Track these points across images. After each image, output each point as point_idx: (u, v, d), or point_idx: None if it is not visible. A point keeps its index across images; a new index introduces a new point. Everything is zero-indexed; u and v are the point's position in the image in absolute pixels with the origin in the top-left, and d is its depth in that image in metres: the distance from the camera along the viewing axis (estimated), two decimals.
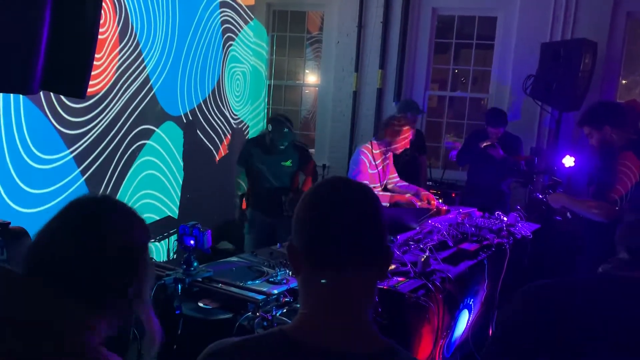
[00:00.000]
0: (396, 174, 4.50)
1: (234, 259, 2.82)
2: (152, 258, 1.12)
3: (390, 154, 4.33)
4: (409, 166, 5.06)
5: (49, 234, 1.06)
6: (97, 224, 1.06)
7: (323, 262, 1.00)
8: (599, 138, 3.31)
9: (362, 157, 4.12)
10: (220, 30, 5.13)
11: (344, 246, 0.99)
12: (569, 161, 5.29)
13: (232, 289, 2.33)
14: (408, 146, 4.26)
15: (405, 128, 4.11)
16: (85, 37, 1.79)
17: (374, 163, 4.17)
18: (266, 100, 7.01)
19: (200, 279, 2.36)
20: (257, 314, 2.03)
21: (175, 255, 4.59)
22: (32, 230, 3.10)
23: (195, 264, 2.35)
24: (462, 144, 5.58)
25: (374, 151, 4.16)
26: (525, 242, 3.94)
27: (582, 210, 3.50)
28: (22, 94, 2.35)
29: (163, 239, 4.60)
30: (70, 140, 3.46)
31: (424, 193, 4.33)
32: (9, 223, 1.59)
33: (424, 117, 6.34)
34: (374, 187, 4.22)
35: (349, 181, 1.07)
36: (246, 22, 5.62)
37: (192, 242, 2.37)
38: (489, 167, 4.94)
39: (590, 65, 5.01)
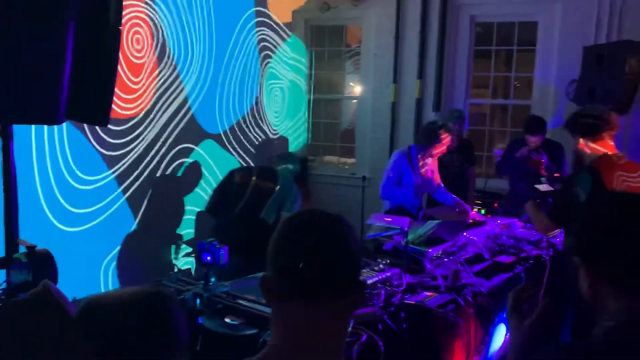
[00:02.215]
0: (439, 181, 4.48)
1: (260, 274, 2.86)
2: None
3: (432, 160, 4.32)
4: (457, 177, 5.02)
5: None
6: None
7: (292, 294, 1.00)
8: (573, 148, 3.17)
9: (396, 162, 4.19)
10: (257, 48, 5.25)
11: (312, 278, 0.99)
12: None
13: (255, 305, 2.37)
14: (445, 151, 4.23)
15: (443, 135, 4.10)
16: (105, 66, 1.90)
17: (411, 168, 4.17)
18: (307, 114, 7.10)
19: (219, 294, 2.43)
20: None
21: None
22: (77, 248, 3.26)
23: (213, 279, 2.43)
24: (503, 153, 5.46)
25: (412, 156, 4.16)
26: (567, 253, 3.81)
27: (532, 222, 3.39)
28: (48, 125, 2.49)
29: None
30: (111, 161, 3.64)
31: (460, 205, 4.28)
32: (35, 246, 1.70)
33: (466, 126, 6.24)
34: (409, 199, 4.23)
35: (323, 213, 1.07)
36: (283, 39, 5.73)
37: (209, 258, 2.45)
38: (530, 175, 4.81)
39: (637, 66, 4.80)
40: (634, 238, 1.12)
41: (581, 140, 2.97)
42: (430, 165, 4.34)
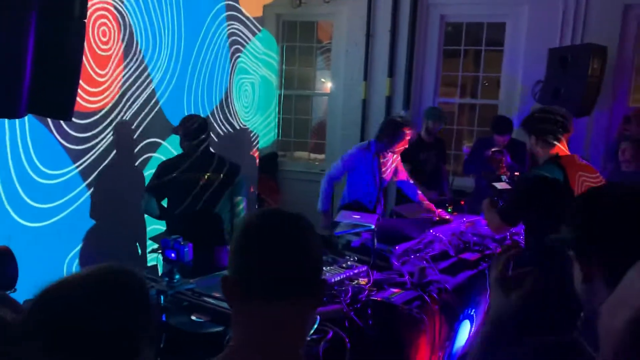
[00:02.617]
0: (407, 177, 4.53)
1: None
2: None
3: (394, 156, 4.34)
4: (434, 175, 5.07)
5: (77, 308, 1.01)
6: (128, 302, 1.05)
7: (252, 293, 1.01)
8: (528, 146, 3.17)
9: (350, 154, 4.21)
10: (228, 42, 5.20)
11: (272, 278, 1.00)
12: None
13: (221, 303, 2.36)
14: (407, 146, 4.26)
15: (407, 131, 4.12)
16: (69, 59, 1.85)
17: (369, 164, 4.19)
18: (277, 110, 7.08)
19: (184, 291, 2.42)
20: None
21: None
22: (39, 244, 3.18)
23: (177, 276, 2.41)
24: (469, 153, 5.56)
25: (372, 152, 4.18)
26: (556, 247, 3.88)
27: (485, 220, 3.38)
28: (8, 118, 2.43)
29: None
30: (75, 155, 3.55)
31: (425, 203, 4.32)
32: None
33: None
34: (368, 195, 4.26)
35: (282, 212, 1.09)
36: (254, 34, 5.69)
37: (173, 255, 2.43)
38: (492, 174, 4.91)
39: (599, 70, 4.94)
40: (632, 232, 1.11)
41: (536, 140, 2.97)
42: (391, 160, 4.36)
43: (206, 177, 3.63)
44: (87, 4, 1.84)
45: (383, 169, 4.28)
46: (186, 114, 4.65)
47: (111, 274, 1.08)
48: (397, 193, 5.04)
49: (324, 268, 1.17)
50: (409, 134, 4.14)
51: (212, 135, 4.21)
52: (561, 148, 2.91)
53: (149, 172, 4.28)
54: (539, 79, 5.29)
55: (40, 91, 1.80)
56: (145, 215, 4.04)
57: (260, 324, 1.01)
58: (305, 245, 1.04)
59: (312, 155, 7.31)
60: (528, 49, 5.79)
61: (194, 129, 3.66)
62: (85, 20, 1.85)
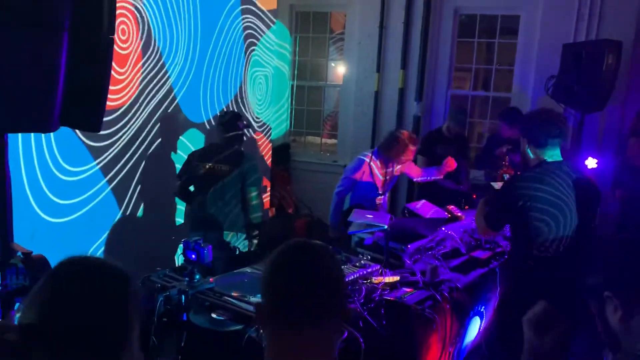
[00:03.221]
0: (419, 172, 4.60)
1: (247, 269, 2.95)
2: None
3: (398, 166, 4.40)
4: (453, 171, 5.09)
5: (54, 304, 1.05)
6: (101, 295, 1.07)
7: (282, 322, 1.12)
8: (521, 148, 2.99)
9: (357, 167, 4.25)
10: (242, 36, 5.25)
11: (304, 308, 1.11)
12: (591, 163, 5.26)
13: (239, 303, 2.46)
14: (411, 159, 4.32)
15: (410, 147, 4.16)
16: (98, 74, 1.93)
17: (375, 172, 4.26)
18: (289, 101, 7.13)
19: (204, 290, 2.51)
20: (262, 329, 2.15)
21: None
22: (62, 238, 3.29)
23: (197, 276, 2.51)
24: (482, 148, 5.59)
25: (372, 164, 4.25)
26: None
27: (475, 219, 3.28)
28: (42, 133, 2.51)
29: None
30: (96, 152, 3.65)
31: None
32: (31, 252, 1.75)
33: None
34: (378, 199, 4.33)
35: (311, 247, 1.20)
36: (268, 27, 5.73)
37: (193, 256, 2.53)
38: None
39: (614, 65, 4.92)
40: None
41: (528, 144, 2.87)
42: (397, 169, 4.42)
43: (220, 167, 3.89)
44: (115, 20, 1.90)
45: (381, 174, 4.32)
46: (202, 109, 4.74)
47: (87, 266, 1.12)
48: (408, 191, 5.09)
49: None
50: (413, 150, 4.19)
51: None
52: (554, 153, 2.81)
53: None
54: (553, 74, 5.28)
55: (71, 105, 1.88)
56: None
57: (291, 351, 1.12)
58: (334, 277, 1.17)
59: (324, 147, 7.37)
60: (542, 43, 5.77)
61: (222, 122, 3.98)
62: (113, 37, 1.91)
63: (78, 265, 1.12)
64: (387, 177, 4.35)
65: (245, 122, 4.16)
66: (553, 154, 2.81)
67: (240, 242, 4.20)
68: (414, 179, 4.71)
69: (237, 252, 3.94)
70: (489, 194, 3.54)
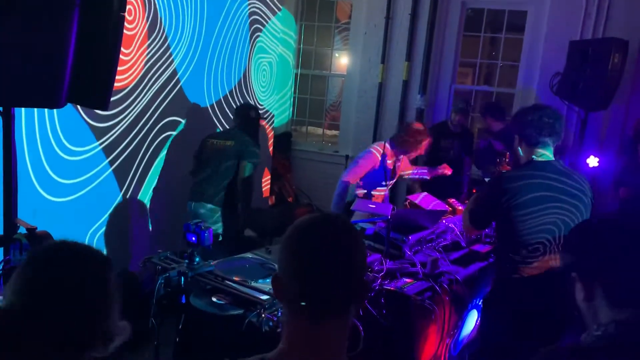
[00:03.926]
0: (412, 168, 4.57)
1: (248, 255, 2.95)
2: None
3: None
4: (453, 163, 5.05)
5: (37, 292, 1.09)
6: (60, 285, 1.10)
7: (300, 311, 1.06)
8: (514, 145, 2.87)
9: (367, 158, 4.15)
10: (248, 22, 5.22)
11: (333, 294, 1.05)
12: (593, 161, 5.26)
13: (241, 287, 2.46)
14: (423, 153, 4.30)
15: (425, 141, 4.14)
16: (108, 52, 1.91)
17: (382, 164, 4.20)
18: (293, 89, 7.10)
19: (205, 273, 2.52)
20: (262, 315, 2.15)
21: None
22: (64, 217, 3.28)
23: (197, 259, 2.52)
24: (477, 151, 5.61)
25: (386, 153, 4.18)
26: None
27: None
28: (50, 108, 2.49)
29: None
30: (99, 133, 3.63)
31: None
32: (35, 228, 1.74)
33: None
34: (379, 192, 4.29)
35: (340, 223, 1.10)
36: (274, 13, 5.69)
37: (194, 238, 2.53)
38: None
39: (620, 64, 4.91)
40: (629, 260, 1.28)
41: (519, 141, 2.75)
42: (403, 161, 4.40)
43: (220, 142, 4.12)
44: None
45: (391, 166, 4.29)
46: (205, 93, 4.72)
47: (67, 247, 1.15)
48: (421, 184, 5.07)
49: None
50: (426, 144, 4.17)
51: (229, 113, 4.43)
52: (544, 153, 2.68)
53: (167, 151, 4.37)
54: (558, 71, 5.27)
55: (79, 82, 1.86)
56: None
57: (309, 335, 1.07)
58: (361, 259, 1.09)
59: (325, 137, 7.35)
60: (548, 40, 5.76)
61: (236, 111, 4.38)
62: (124, 14, 1.89)
63: (55, 249, 1.15)
64: (396, 171, 4.33)
65: (256, 113, 4.34)
66: (543, 153, 2.68)
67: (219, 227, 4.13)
68: (404, 174, 4.63)
69: (220, 239, 3.97)
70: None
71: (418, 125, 4.22)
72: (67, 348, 1.05)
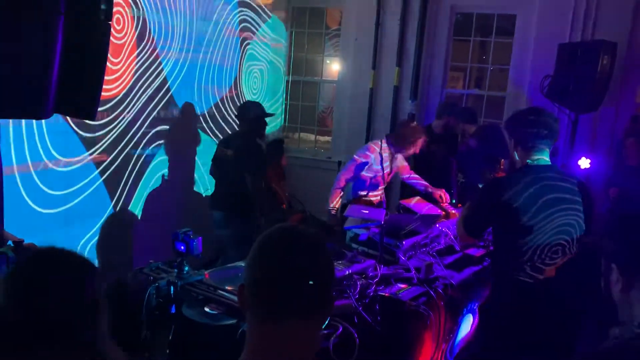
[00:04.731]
0: (410, 171, 4.55)
1: (241, 264, 2.92)
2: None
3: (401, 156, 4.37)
4: (442, 170, 5.04)
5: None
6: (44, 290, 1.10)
7: (266, 311, 1.05)
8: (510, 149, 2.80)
9: (365, 150, 4.17)
10: (238, 29, 5.21)
11: (287, 298, 1.04)
12: (584, 163, 5.28)
13: (233, 296, 2.43)
14: (417, 152, 4.30)
15: (420, 139, 4.15)
16: (94, 61, 1.89)
17: (379, 161, 4.20)
18: (284, 96, 7.09)
19: (195, 282, 2.49)
20: None
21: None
22: (53, 230, 3.24)
23: (186, 268, 2.49)
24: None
25: (382, 151, 4.19)
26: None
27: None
28: (36, 119, 2.47)
29: None
30: (89, 143, 3.60)
31: (436, 191, 4.36)
32: (22, 241, 1.72)
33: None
34: (376, 192, 4.28)
35: (300, 231, 1.11)
36: (264, 21, 5.69)
37: (182, 247, 2.50)
38: (474, 164, 4.97)
39: (609, 66, 4.94)
40: None
41: (515, 145, 2.67)
42: (399, 160, 4.39)
43: (224, 150, 4.21)
44: (112, 6, 1.86)
45: (387, 163, 4.29)
46: (196, 101, 4.71)
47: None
48: (402, 188, 5.07)
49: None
50: (421, 141, 4.18)
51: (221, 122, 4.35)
52: (541, 157, 2.61)
53: (158, 160, 4.34)
54: (548, 74, 5.29)
55: (66, 92, 1.84)
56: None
57: (269, 341, 1.05)
58: (321, 268, 1.08)
59: (318, 144, 7.34)
60: (537, 43, 5.78)
61: (237, 113, 4.41)
62: (110, 23, 1.87)
63: (38, 258, 1.17)
64: (392, 170, 4.33)
65: (255, 112, 4.25)
66: (539, 158, 2.60)
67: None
68: (403, 177, 4.64)
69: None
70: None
71: (413, 124, 4.29)
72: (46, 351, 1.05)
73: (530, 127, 2.58)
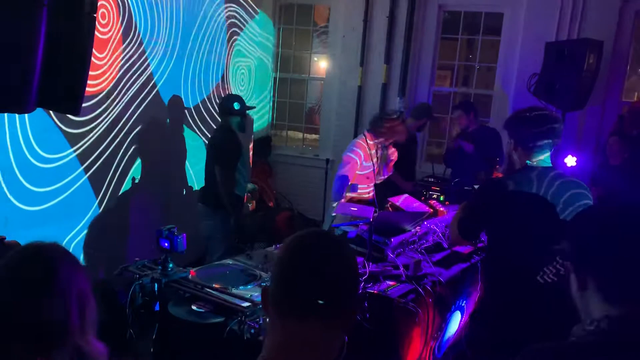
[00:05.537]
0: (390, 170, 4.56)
1: (228, 261, 2.89)
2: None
3: (390, 150, 4.36)
4: (404, 160, 5.04)
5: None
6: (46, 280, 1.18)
7: (286, 310, 1.06)
8: (507, 149, 2.75)
9: (354, 153, 4.13)
10: (225, 25, 5.16)
11: (308, 298, 1.04)
12: (571, 161, 5.31)
13: (221, 294, 2.40)
14: (403, 139, 4.29)
15: (400, 127, 4.16)
16: (79, 55, 1.85)
17: (369, 155, 4.17)
18: (272, 93, 7.06)
19: (180, 279, 2.46)
20: (244, 322, 2.10)
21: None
22: (37, 227, 3.20)
23: (170, 265, 2.45)
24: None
25: (369, 142, 4.17)
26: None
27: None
28: (18, 113, 2.42)
29: None
30: (73, 139, 3.54)
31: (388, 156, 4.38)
32: (4, 238, 1.67)
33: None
34: (365, 187, 4.26)
35: (327, 235, 1.15)
36: (252, 17, 5.65)
37: (166, 244, 2.47)
38: (465, 164, 4.99)
39: (595, 64, 4.98)
40: (624, 251, 1.21)
41: (514, 145, 2.59)
42: (390, 154, 4.38)
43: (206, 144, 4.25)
44: None
45: (374, 155, 4.26)
46: (182, 97, 4.66)
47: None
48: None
49: None
50: (402, 127, 4.17)
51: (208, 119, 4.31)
52: (541, 158, 2.53)
53: (147, 155, 4.29)
54: (535, 72, 5.32)
55: (49, 86, 1.80)
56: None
57: (289, 342, 1.05)
58: (346, 272, 1.09)
59: (306, 141, 7.31)
60: (525, 41, 5.81)
61: (219, 106, 4.28)
62: (95, 15, 1.84)
63: (21, 248, 1.29)
64: (379, 160, 4.30)
65: (234, 106, 4.12)
66: (540, 159, 2.52)
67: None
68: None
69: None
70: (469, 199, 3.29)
71: (392, 112, 4.32)
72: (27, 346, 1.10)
73: (532, 127, 2.50)
